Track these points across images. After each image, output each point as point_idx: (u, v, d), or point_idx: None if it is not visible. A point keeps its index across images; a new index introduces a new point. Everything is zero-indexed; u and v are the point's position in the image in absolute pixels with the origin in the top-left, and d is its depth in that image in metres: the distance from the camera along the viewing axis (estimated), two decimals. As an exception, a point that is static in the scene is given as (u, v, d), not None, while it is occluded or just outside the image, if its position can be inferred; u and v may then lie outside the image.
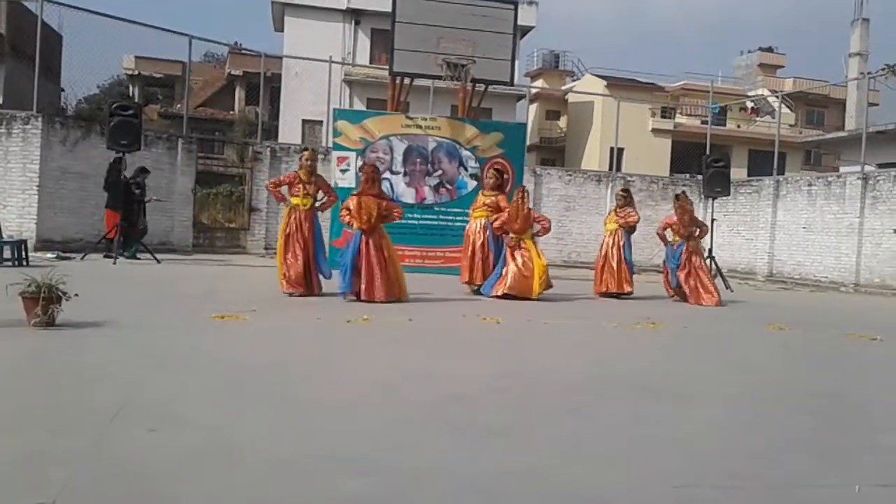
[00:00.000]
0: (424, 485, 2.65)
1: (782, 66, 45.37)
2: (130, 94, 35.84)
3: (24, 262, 10.56)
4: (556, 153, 38.39)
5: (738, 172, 27.97)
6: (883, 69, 18.62)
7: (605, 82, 34.97)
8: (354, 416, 3.58)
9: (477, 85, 14.43)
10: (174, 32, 16.81)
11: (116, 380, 4.04)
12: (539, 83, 39.70)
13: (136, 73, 36.35)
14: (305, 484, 2.61)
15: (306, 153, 9.20)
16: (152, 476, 2.61)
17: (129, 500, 2.41)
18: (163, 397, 3.70)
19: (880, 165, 18.65)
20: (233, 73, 36.44)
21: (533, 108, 36.75)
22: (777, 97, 26.36)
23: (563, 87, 38.89)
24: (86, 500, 2.40)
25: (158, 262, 12.42)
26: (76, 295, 5.51)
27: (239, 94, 36.61)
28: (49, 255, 12.45)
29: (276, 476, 2.66)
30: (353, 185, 13.98)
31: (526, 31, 29.80)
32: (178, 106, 32.88)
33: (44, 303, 5.30)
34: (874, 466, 3.14)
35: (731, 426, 3.78)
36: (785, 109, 32.95)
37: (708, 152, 18.24)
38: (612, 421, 3.74)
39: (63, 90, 23.12)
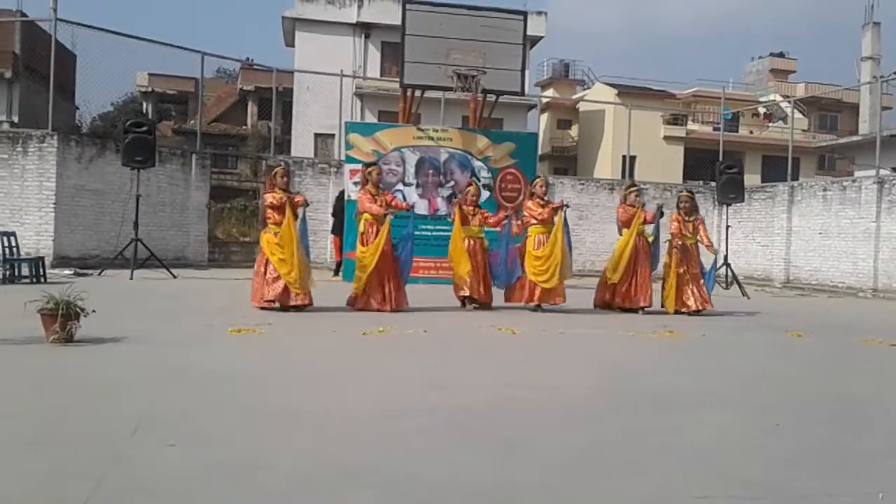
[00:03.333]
0: (440, 497, 2.65)
1: (794, 72, 45.21)
2: (144, 110, 36.14)
3: (42, 279, 10.65)
4: (569, 162, 38.35)
5: (751, 179, 27.86)
6: (895, 73, 18.51)
7: (615, 91, 34.95)
8: (371, 429, 3.59)
9: (488, 95, 14.48)
10: (186, 49, 17.02)
11: (135, 395, 4.07)
12: (550, 92, 39.73)
13: (150, 90, 36.68)
14: (323, 498, 2.61)
15: (374, 168, 9.09)
16: (172, 491, 2.62)
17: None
18: (181, 412, 3.72)
19: (895, 169, 18.51)
20: (245, 88, 36.69)
21: (544, 117, 36.74)
22: (789, 102, 26.27)
23: (574, 97, 38.89)
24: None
25: (174, 276, 12.50)
26: (94, 311, 5.55)
27: (251, 108, 36.85)
28: (66, 271, 12.56)
29: (294, 490, 2.67)
30: (367, 198, 14.07)
31: (535, 41, 29.87)
32: (192, 122, 33.14)
33: (62, 319, 5.35)
34: (893, 474, 3.11)
35: (749, 434, 3.75)
36: (797, 114, 32.82)
37: (721, 159, 18.18)
38: (628, 430, 3.72)
39: (78, 108, 23.36)
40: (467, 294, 9.15)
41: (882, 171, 16.80)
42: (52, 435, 3.28)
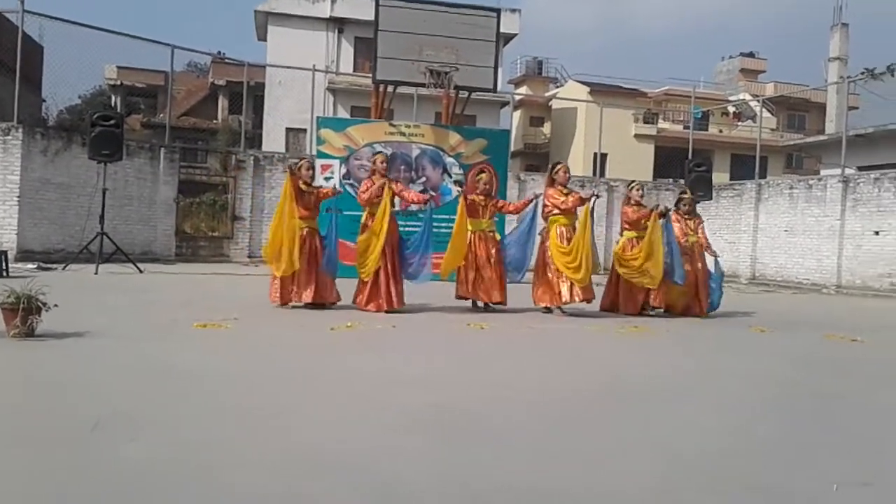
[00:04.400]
0: (411, 492, 2.64)
1: (763, 71, 45.78)
2: (113, 104, 35.64)
3: (5, 273, 10.46)
4: (541, 159, 38.46)
5: (720, 176, 28.18)
6: (862, 73, 18.83)
7: (588, 88, 35.11)
8: (339, 425, 3.57)
9: (460, 92, 14.48)
10: (156, 42, 16.82)
11: (97, 390, 4.01)
12: (523, 90, 39.84)
13: (119, 83, 36.18)
14: (287, 494, 2.59)
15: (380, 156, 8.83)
16: (132, 488, 2.58)
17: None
18: (143, 407, 3.67)
19: (860, 168, 18.83)
20: (216, 82, 36.35)
21: (517, 114, 36.84)
22: (758, 102, 26.59)
23: (547, 94, 39.03)
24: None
25: (141, 271, 12.35)
26: (56, 305, 5.46)
27: (222, 103, 36.53)
28: (30, 265, 12.35)
29: (258, 485, 2.64)
30: (337, 193, 14.00)
31: (509, 38, 29.92)
32: (161, 115, 32.72)
33: (23, 314, 5.26)
34: (853, 465, 3.16)
35: (713, 428, 3.80)
36: (766, 114, 33.26)
37: (690, 157, 18.35)
38: (598, 425, 3.75)
39: (44, 101, 22.92)
40: (464, 295, 8.63)
41: (847, 171, 17.09)
42: (9, 431, 3.22)
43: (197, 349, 5.52)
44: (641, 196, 9.22)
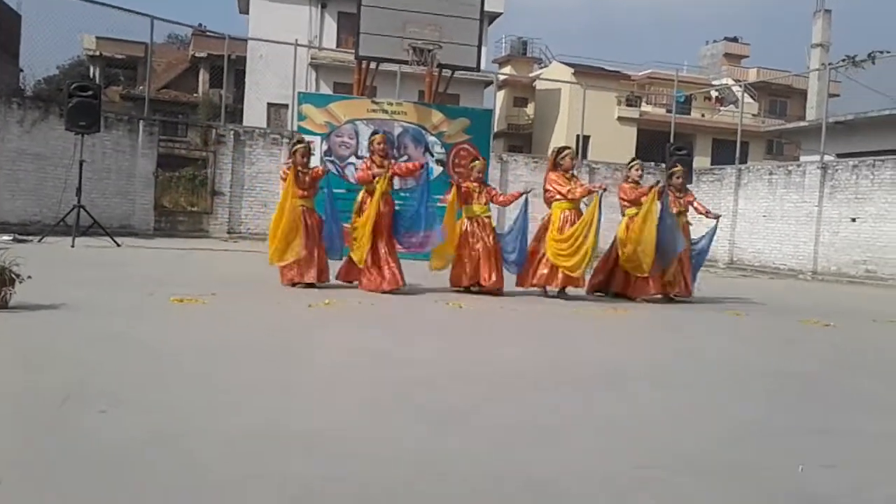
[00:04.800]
0: (374, 464, 2.66)
1: (747, 56, 45.87)
2: (91, 75, 35.05)
3: (-21, 245, 10.34)
4: (524, 140, 38.45)
5: (701, 161, 28.29)
6: (843, 60, 18.92)
7: (572, 70, 35.07)
8: (311, 399, 3.57)
9: (444, 70, 14.39)
10: (136, 13, 16.53)
11: (69, 363, 3.98)
12: (507, 70, 39.68)
13: (98, 53, 35.54)
14: (258, 465, 2.59)
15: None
16: (101, 459, 2.57)
17: (79, 481, 2.38)
18: (116, 380, 3.66)
19: (839, 155, 18.98)
20: (197, 55, 35.82)
21: (501, 94, 36.74)
22: (741, 87, 26.69)
23: (531, 75, 38.93)
24: (36, 482, 2.36)
25: (118, 245, 12.25)
26: (30, 277, 5.40)
27: (203, 76, 36.02)
28: (5, 237, 12.20)
29: (229, 458, 2.64)
30: (318, 170, 13.93)
31: (494, 17, 29.75)
32: (141, 88, 32.27)
33: (-4, 285, 5.20)
34: (820, 447, 3.22)
35: (685, 409, 3.84)
36: (748, 99, 33.40)
37: (672, 141, 18.41)
38: (571, 404, 3.77)
39: (22, 71, 22.55)
40: (465, 285, 8.48)
41: (826, 157, 17.22)
42: (-22, 402, 3.19)
43: (172, 323, 5.49)
44: (640, 176, 9.17)
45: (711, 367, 5.15)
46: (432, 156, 14.26)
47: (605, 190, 8.53)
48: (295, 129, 15.07)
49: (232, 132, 17.43)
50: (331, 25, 29.24)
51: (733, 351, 6.00)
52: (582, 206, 8.68)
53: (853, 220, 15.61)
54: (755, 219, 17.91)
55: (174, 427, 2.95)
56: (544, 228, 8.53)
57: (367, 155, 8.76)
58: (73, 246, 11.43)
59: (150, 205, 16.44)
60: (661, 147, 18.39)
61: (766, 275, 16.28)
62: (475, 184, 8.69)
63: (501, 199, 9.07)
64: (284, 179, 8.07)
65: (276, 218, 8.02)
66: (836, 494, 2.63)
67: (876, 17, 78.79)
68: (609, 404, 3.81)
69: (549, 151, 9.09)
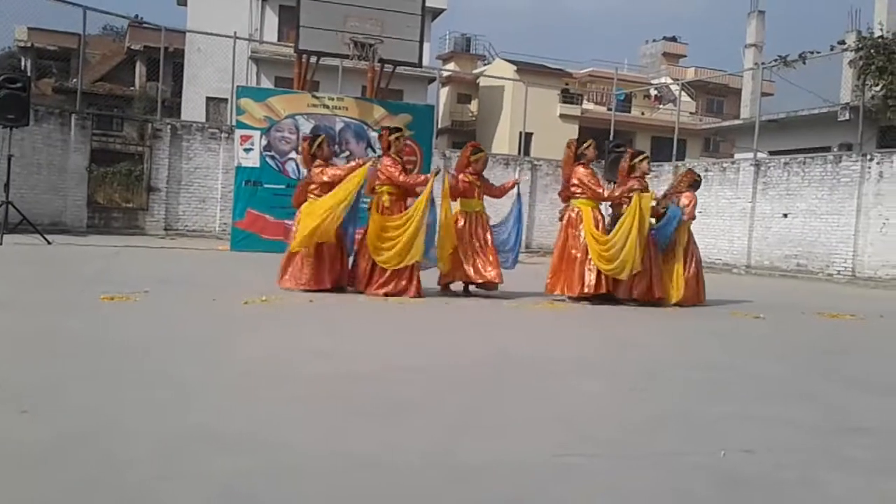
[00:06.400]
0: (307, 461, 2.64)
1: (684, 56, 46.91)
2: (23, 67, 33.90)
3: None
4: (468, 136, 38.41)
5: (641, 158, 28.79)
6: (775, 60, 19.47)
7: (514, 67, 35.32)
8: (242, 395, 3.52)
9: (385, 66, 14.35)
10: (68, 3, 16.04)
11: (-11, 363, 3.85)
12: (450, 66, 39.76)
13: (30, 44, 34.41)
14: (183, 463, 2.55)
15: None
16: (20, 462, 2.50)
17: (-11, 484, 2.30)
18: (39, 379, 3.55)
19: (772, 153, 19.57)
20: (133, 47, 34.96)
21: (445, 91, 36.80)
22: (679, 86, 27.26)
23: (475, 71, 39.07)
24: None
25: (49, 242, 11.88)
26: (-50, 275, 5.21)
27: (140, 69, 35.18)
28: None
29: (152, 456, 2.59)
30: (258, 165, 13.76)
31: (437, 13, 29.80)
32: (74, 80, 31.35)
33: (-88, 283, 5.00)
34: (742, 434, 3.31)
35: (612, 400, 3.92)
36: (686, 98, 34.10)
37: (612, 138, 18.70)
38: (504, 397, 3.81)
39: (-54, 61, 21.74)
40: (452, 280, 8.21)
41: (759, 155, 17.73)
42: None
43: (101, 321, 5.36)
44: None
45: (640, 358, 5.26)
46: (374, 151, 14.19)
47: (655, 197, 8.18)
48: (234, 123, 14.83)
49: (169, 126, 17.07)
50: (272, 19, 28.88)
51: (662, 342, 6.14)
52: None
53: (785, 215, 16.10)
54: (692, 214, 18.29)
55: (97, 426, 2.88)
56: (568, 236, 8.04)
57: (384, 153, 8.05)
58: (0, 244, 11.04)
59: (83, 201, 16.00)
60: (603, 144, 18.68)
61: (703, 270, 16.63)
62: (474, 176, 8.27)
63: (496, 191, 8.68)
64: (328, 181, 7.60)
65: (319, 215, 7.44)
66: (755, 476, 2.72)
67: (808, 19, 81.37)
68: (542, 395, 3.85)
69: (566, 143, 8.40)
